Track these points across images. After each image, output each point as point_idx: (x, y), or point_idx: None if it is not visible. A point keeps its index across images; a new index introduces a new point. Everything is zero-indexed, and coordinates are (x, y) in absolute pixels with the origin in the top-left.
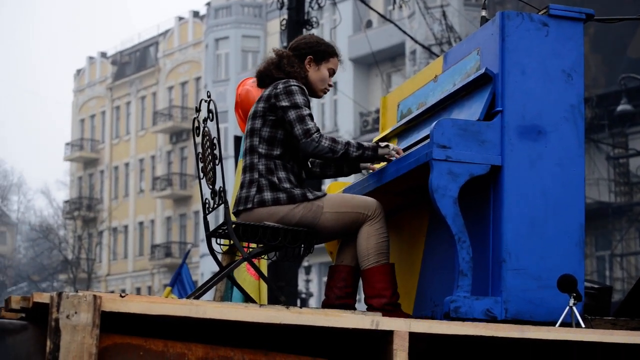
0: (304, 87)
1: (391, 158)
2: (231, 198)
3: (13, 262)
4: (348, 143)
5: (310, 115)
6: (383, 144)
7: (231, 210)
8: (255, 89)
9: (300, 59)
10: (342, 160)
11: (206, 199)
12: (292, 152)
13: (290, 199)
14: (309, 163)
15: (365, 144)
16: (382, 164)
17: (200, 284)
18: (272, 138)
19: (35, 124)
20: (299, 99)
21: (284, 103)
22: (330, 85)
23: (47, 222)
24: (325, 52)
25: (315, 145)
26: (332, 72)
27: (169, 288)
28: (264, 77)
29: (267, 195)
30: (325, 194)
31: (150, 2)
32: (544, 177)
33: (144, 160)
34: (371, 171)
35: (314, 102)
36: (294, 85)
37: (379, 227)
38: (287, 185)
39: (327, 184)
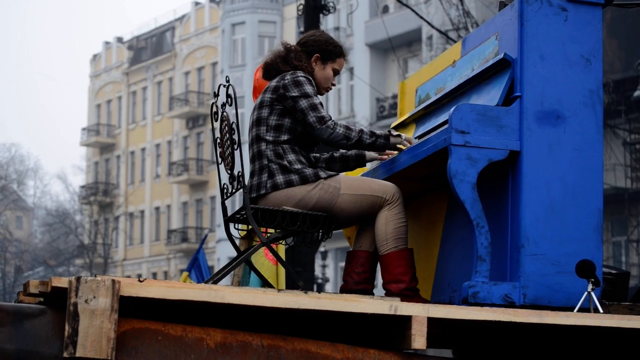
0: (311, 79)
1: (402, 147)
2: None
3: (29, 246)
4: (361, 130)
5: (321, 104)
6: (395, 132)
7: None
8: None
9: (308, 55)
10: (355, 147)
11: (224, 184)
12: (299, 139)
13: (303, 179)
14: (312, 157)
15: (378, 132)
16: (393, 153)
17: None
18: (280, 126)
19: (52, 109)
20: (308, 88)
21: (294, 93)
22: (333, 84)
23: (63, 207)
24: (332, 52)
25: (331, 132)
26: (336, 72)
27: (186, 273)
28: (270, 70)
29: (280, 178)
30: (339, 174)
31: None
32: (562, 162)
33: (160, 146)
34: (379, 162)
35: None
36: (302, 76)
37: (398, 212)
38: (298, 166)
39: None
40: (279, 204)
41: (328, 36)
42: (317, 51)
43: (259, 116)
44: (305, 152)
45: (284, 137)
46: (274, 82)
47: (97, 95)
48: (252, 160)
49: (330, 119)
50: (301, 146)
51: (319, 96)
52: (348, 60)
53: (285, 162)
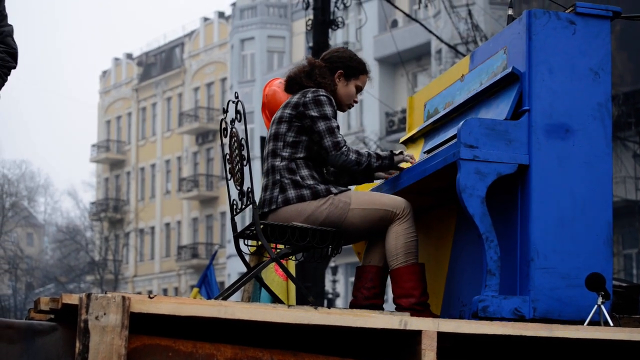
0: (332, 99)
1: (404, 165)
2: (258, 200)
3: (40, 263)
4: (369, 155)
5: (338, 127)
6: (397, 151)
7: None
8: (282, 90)
9: (331, 72)
10: (364, 171)
11: (234, 200)
12: (313, 156)
13: (315, 195)
14: (324, 170)
15: (382, 153)
16: (395, 172)
17: (227, 285)
18: (297, 143)
19: (62, 125)
20: (328, 110)
21: (313, 113)
22: (355, 102)
23: (73, 224)
24: (356, 69)
25: (345, 158)
26: (359, 89)
27: (196, 289)
28: (293, 83)
29: (291, 193)
30: (350, 189)
31: (176, 3)
32: (571, 175)
33: (170, 162)
34: (384, 179)
35: None
36: (323, 95)
37: (408, 227)
38: (310, 181)
39: (353, 186)
40: (290, 219)
41: (352, 53)
42: (341, 68)
43: (277, 131)
44: (318, 166)
45: (300, 155)
46: (295, 98)
47: (106, 111)
48: (266, 174)
49: (345, 144)
50: (315, 162)
51: (339, 112)
52: (370, 78)
53: (298, 177)
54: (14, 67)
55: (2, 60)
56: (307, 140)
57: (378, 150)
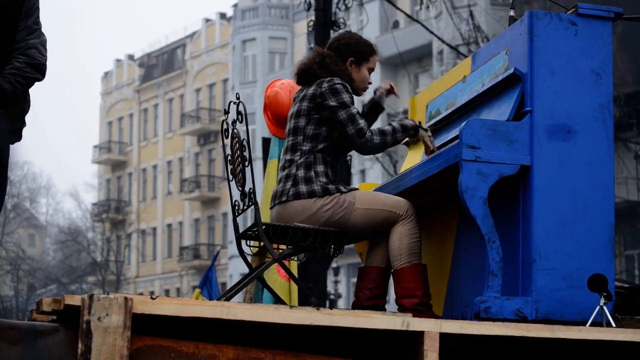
0: (348, 86)
1: (429, 142)
2: (260, 200)
3: (42, 264)
4: (394, 130)
5: (359, 113)
6: (425, 127)
7: (268, 207)
8: (284, 91)
9: (343, 59)
10: (391, 147)
11: (236, 200)
12: (333, 147)
13: (325, 192)
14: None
15: (408, 123)
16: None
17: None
18: (317, 135)
19: (64, 126)
20: (346, 97)
21: (332, 103)
22: (369, 83)
23: (75, 225)
24: (365, 53)
25: (370, 145)
26: (371, 71)
27: (198, 290)
28: (306, 75)
29: (303, 188)
30: (356, 189)
31: (177, 4)
32: (573, 176)
33: (171, 163)
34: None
35: None
36: (338, 83)
37: (411, 228)
38: (323, 179)
39: (356, 185)
40: (295, 213)
41: (357, 36)
42: (351, 55)
43: (296, 125)
44: (336, 159)
45: (320, 146)
46: (310, 90)
47: (108, 112)
48: (282, 168)
49: (368, 129)
50: (335, 153)
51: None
52: (380, 54)
53: (312, 173)
54: (39, 80)
55: (18, 70)
56: (326, 130)
57: (405, 120)
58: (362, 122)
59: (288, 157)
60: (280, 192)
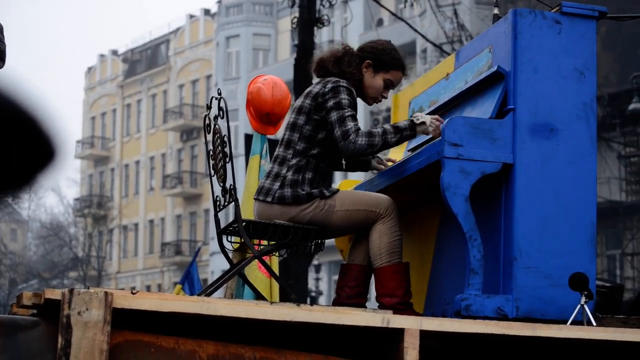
0: (352, 90)
1: (431, 131)
2: (241, 196)
3: (24, 259)
4: (385, 132)
5: (353, 116)
6: (418, 120)
7: (250, 203)
8: (267, 87)
9: (361, 61)
10: (383, 150)
11: (217, 196)
12: (328, 152)
13: (309, 197)
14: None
15: (402, 124)
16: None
17: (210, 282)
18: (312, 137)
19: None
20: (344, 98)
21: (329, 104)
22: (383, 97)
23: (57, 220)
24: (386, 63)
25: (352, 147)
26: (389, 84)
27: (179, 286)
28: (321, 67)
29: (288, 192)
30: (337, 191)
31: (161, 0)
32: (555, 175)
33: (154, 158)
34: (380, 170)
35: None
36: (342, 85)
37: (392, 226)
38: (308, 187)
39: (338, 183)
40: (277, 216)
41: (390, 47)
42: (370, 58)
43: (295, 121)
44: (331, 166)
45: (314, 151)
46: (316, 88)
47: (91, 107)
48: (275, 160)
49: (355, 131)
50: (330, 159)
51: (356, 107)
52: (407, 75)
53: (300, 178)
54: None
55: None
56: (323, 134)
57: (398, 123)
58: (350, 124)
59: (281, 152)
60: (267, 190)
